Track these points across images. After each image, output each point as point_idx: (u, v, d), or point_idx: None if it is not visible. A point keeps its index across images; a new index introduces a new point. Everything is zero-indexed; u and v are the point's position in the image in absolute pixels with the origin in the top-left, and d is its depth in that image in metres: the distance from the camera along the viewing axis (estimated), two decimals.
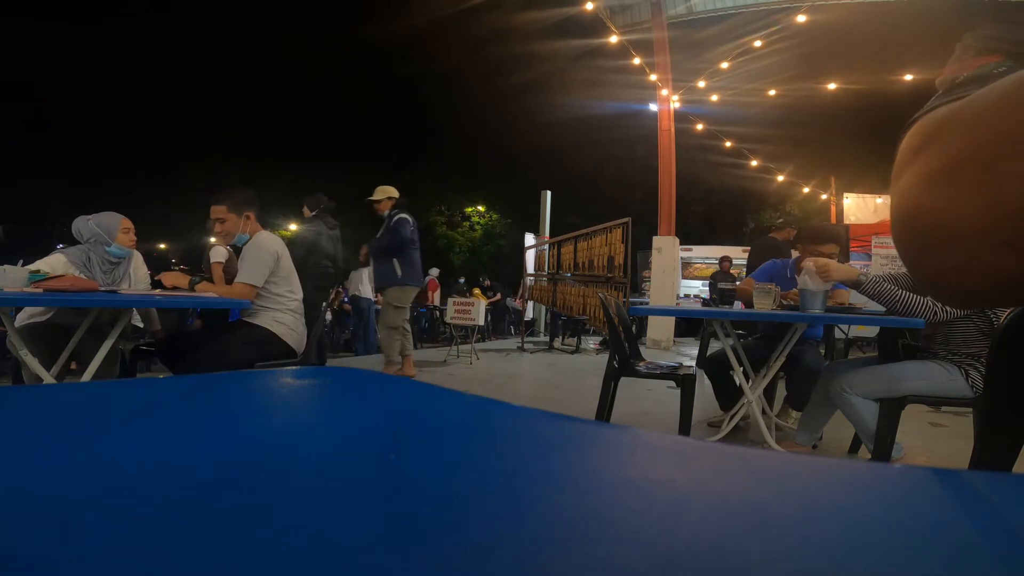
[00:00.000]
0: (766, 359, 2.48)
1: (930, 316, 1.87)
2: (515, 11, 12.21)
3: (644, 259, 12.13)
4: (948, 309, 1.85)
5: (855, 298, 2.79)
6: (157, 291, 2.23)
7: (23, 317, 2.26)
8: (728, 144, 12.19)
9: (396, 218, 4.17)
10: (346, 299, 8.35)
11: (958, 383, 1.84)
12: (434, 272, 11.10)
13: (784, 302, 2.47)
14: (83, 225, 2.38)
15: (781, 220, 6.69)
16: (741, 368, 2.36)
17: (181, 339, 2.49)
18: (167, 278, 2.27)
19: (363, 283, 7.12)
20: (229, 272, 3.23)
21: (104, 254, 2.39)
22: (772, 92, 10.14)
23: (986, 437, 1.53)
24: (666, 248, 7.63)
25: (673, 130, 8.15)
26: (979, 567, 0.18)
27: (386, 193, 4.36)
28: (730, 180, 18.61)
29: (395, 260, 4.10)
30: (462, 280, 12.85)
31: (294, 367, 0.55)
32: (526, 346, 7.34)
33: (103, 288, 2.05)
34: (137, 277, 2.53)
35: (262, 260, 2.22)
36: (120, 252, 2.41)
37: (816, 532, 0.19)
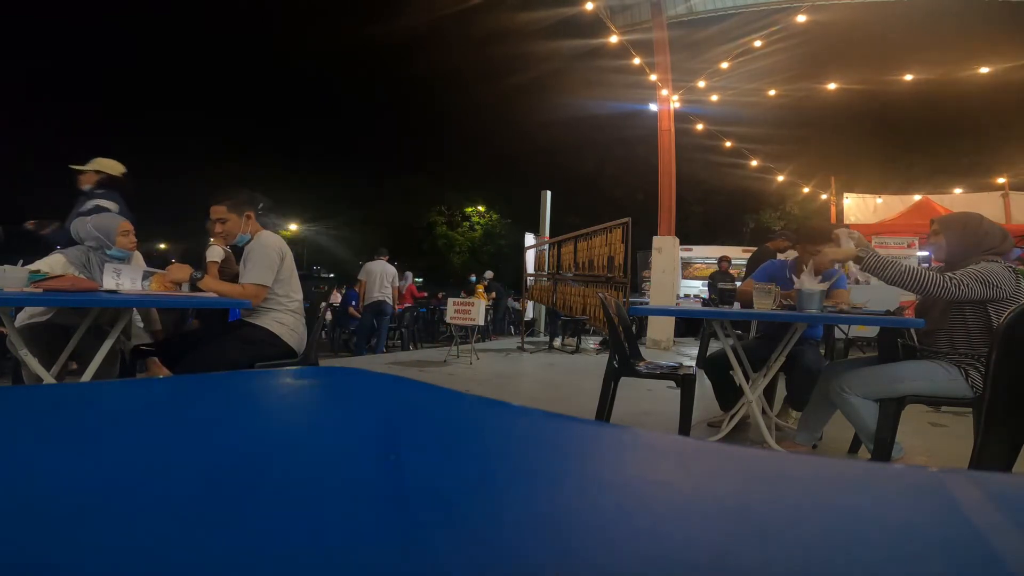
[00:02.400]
0: (766, 359, 2.48)
1: (942, 291, 1.79)
2: (515, 11, 12.21)
3: (644, 259, 12.12)
4: (964, 285, 1.76)
5: (855, 298, 2.79)
6: (152, 274, 2.21)
7: (23, 317, 2.26)
8: (728, 144, 12.19)
9: (94, 204, 3.03)
10: (353, 303, 8.29)
11: (958, 383, 1.84)
12: (488, 275, 11.07)
13: (785, 301, 2.47)
14: (82, 227, 2.38)
15: (780, 228, 6.69)
16: (741, 368, 2.36)
17: (181, 339, 2.48)
18: (172, 271, 2.25)
19: (386, 287, 6.99)
20: (227, 272, 3.21)
21: (104, 256, 2.39)
22: (772, 92, 10.14)
23: (986, 437, 1.53)
24: (666, 248, 7.63)
25: (673, 130, 8.14)
26: (979, 567, 0.18)
27: (96, 165, 3.19)
28: (730, 180, 18.61)
29: None
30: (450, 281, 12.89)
31: (294, 367, 0.55)
32: (526, 346, 7.34)
33: (103, 289, 2.05)
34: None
35: (269, 259, 2.21)
36: (121, 255, 2.41)
37: (816, 532, 0.19)
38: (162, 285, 2.18)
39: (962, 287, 1.77)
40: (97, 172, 3.19)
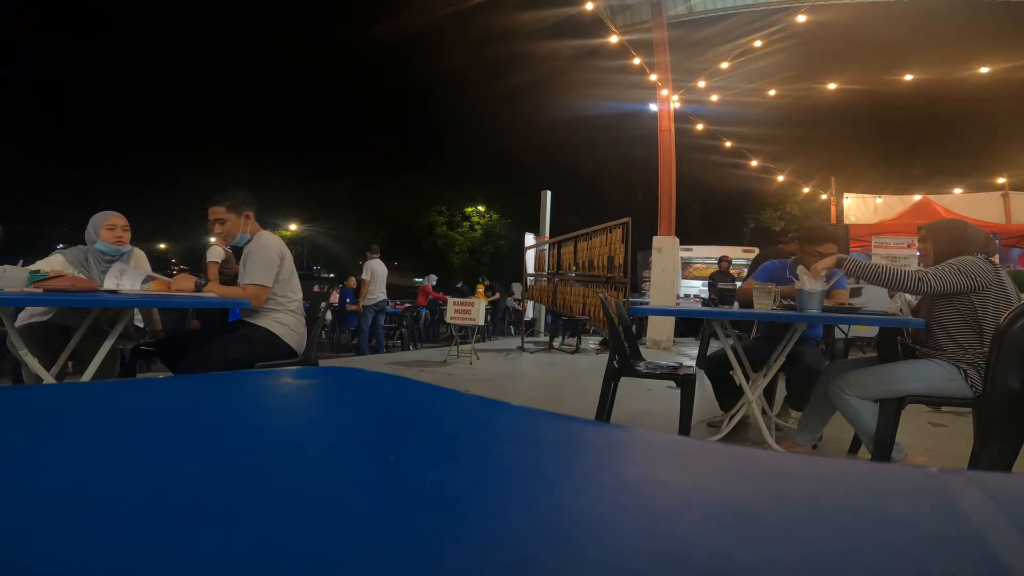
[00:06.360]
0: (766, 359, 2.47)
1: (916, 286, 1.87)
2: (515, 11, 12.23)
3: (644, 259, 12.10)
4: (935, 280, 1.83)
5: (855, 298, 2.79)
6: (154, 278, 2.20)
7: (23, 317, 2.25)
8: (728, 144, 12.17)
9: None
10: (349, 300, 8.38)
11: (957, 383, 1.84)
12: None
13: (785, 301, 2.47)
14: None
15: (792, 234, 6.64)
16: (741, 368, 2.36)
17: (181, 339, 2.48)
18: (177, 281, 2.25)
19: (383, 287, 7.22)
20: (226, 272, 3.22)
21: (97, 252, 2.38)
22: (772, 92, 10.13)
23: (986, 437, 1.53)
24: (666, 248, 7.62)
25: (673, 130, 8.14)
26: (979, 567, 0.18)
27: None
28: (730, 180, 18.62)
29: None
30: (459, 284, 12.90)
31: (294, 367, 0.55)
32: (526, 346, 7.34)
33: (101, 288, 2.05)
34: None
35: (269, 260, 2.21)
36: (105, 249, 2.37)
37: (816, 532, 0.19)
38: (163, 291, 2.18)
39: (935, 280, 1.83)
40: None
